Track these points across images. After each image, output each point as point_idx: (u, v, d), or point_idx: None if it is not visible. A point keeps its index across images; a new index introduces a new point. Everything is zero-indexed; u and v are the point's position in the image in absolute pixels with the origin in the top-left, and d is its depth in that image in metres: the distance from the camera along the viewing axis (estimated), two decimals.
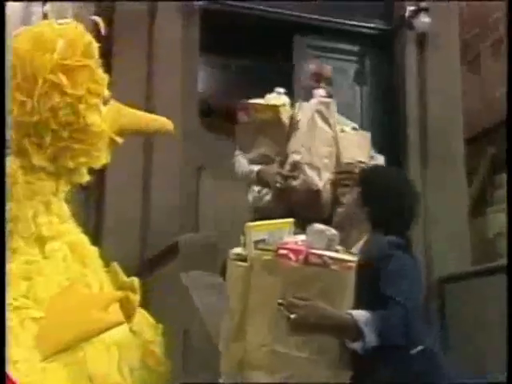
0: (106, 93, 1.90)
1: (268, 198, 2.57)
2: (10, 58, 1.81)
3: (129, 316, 1.88)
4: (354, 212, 1.91)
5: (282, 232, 1.82)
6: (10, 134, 1.84)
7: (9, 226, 1.77)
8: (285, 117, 2.55)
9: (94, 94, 1.82)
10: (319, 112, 2.56)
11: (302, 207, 2.41)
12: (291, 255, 1.68)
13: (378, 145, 4.34)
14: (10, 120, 1.82)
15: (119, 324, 1.70)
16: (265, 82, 4.84)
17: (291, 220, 1.91)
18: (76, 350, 1.64)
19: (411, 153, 4.29)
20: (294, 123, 2.55)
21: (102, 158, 1.90)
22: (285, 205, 2.44)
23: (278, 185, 2.48)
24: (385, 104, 4.55)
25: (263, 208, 2.57)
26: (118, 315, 1.75)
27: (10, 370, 1.54)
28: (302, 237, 1.77)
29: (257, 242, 1.79)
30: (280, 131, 2.54)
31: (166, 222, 3.66)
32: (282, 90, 2.65)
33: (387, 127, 4.47)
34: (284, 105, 2.56)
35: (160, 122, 2.11)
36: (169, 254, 3.29)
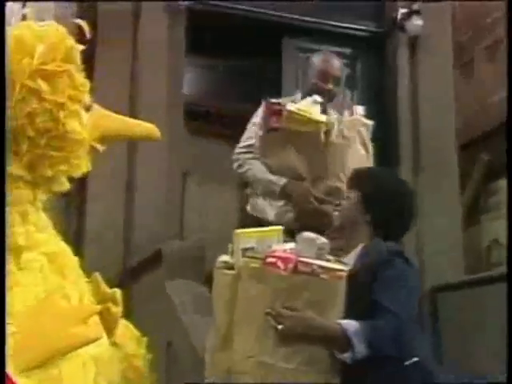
0: (87, 99, 1.90)
1: (291, 215, 2.45)
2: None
3: (110, 329, 1.88)
4: (355, 216, 1.93)
5: (270, 240, 1.84)
6: None
7: None
8: (322, 132, 2.45)
9: (74, 100, 1.82)
10: (360, 134, 2.55)
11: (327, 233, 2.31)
12: (280, 263, 1.70)
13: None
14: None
15: (97, 339, 1.70)
16: (253, 84, 4.90)
17: (280, 228, 1.93)
18: (51, 367, 1.63)
19: (403, 159, 4.32)
20: (332, 142, 2.45)
21: (83, 166, 1.90)
22: (309, 226, 2.24)
23: (310, 206, 2.40)
24: (376, 109, 4.58)
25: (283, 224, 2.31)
26: (97, 329, 1.74)
27: None
28: (292, 245, 1.79)
29: (245, 250, 1.81)
30: (316, 148, 2.44)
31: (150, 229, 3.67)
32: (319, 98, 2.51)
33: (378, 132, 4.50)
34: (329, 123, 2.46)
35: (145, 128, 2.10)
36: (152, 261, 3.30)
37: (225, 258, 1.87)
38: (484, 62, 4.94)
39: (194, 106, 4.48)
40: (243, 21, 4.39)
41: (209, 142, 4.67)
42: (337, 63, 2.74)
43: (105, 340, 1.84)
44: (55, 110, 1.80)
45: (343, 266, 1.75)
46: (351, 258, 1.90)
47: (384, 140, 4.48)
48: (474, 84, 4.99)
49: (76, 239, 3.52)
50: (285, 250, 1.76)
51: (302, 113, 2.44)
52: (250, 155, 2.59)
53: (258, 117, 2.62)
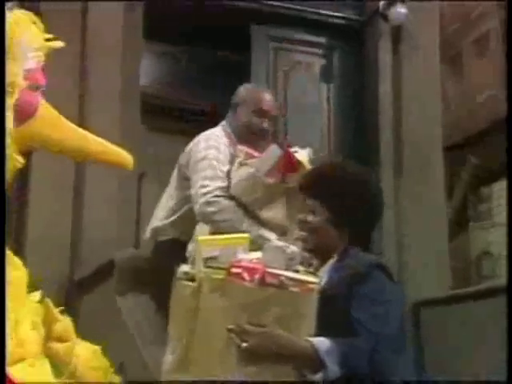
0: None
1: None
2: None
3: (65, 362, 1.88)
4: (330, 233, 1.93)
5: (236, 248, 1.84)
6: None
7: None
8: None
9: None
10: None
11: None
12: (245, 275, 1.70)
13: (347, 152, 4.45)
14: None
15: None
16: (219, 75, 4.91)
17: (248, 235, 1.95)
18: None
19: (384, 162, 4.37)
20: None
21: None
22: None
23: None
24: (355, 106, 4.64)
25: None
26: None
27: None
28: (259, 254, 1.80)
29: (207, 259, 1.81)
30: (298, 203, 2.51)
31: (101, 237, 3.65)
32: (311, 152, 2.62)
33: (357, 132, 4.57)
34: None
35: (112, 151, 2.02)
36: (103, 273, 3.29)
37: (185, 267, 1.87)
38: (472, 57, 5.00)
39: (153, 99, 4.47)
40: (209, 5, 4.39)
41: (169, 140, 4.67)
42: (273, 100, 2.90)
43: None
44: None
45: (315, 278, 1.77)
46: (325, 270, 1.91)
47: (362, 141, 4.55)
48: (461, 81, 5.05)
49: (15, 249, 3.47)
50: (251, 260, 1.77)
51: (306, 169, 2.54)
52: (229, 201, 2.60)
53: (225, 145, 2.74)
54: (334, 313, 1.76)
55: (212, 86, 4.69)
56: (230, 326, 1.67)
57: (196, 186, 2.67)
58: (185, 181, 2.79)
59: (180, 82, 4.90)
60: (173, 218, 2.83)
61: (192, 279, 1.81)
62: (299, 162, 2.52)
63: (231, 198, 2.61)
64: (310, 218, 1.96)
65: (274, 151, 2.56)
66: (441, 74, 4.61)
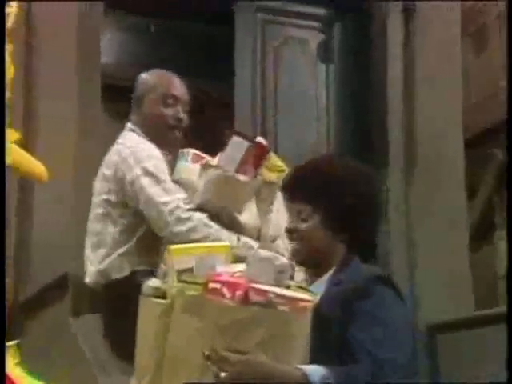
0: None
1: None
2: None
3: None
4: (325, 241, 1.95)
5: (215, 259, 1.86)
6: None
7: None
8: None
9: None
10: None
11: None
12: (225, 291, 1.71)
13: (347, 145, 4.45)
14: None
15: None
16: (196, 52, 4.90)
17: (228, 244, 1.98)
18: None
19: (392, 158, 4.36)
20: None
21: None
22: None
23: None
24: (358, 90, 4.65)
25: None
26: None
27: None
28: (242, 266, 1.81)
29: (181, 272, 1.82)
30: (269, 201, 2.71)
31: (52, 248, 3.65)
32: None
33: (360, 122, 4.58)
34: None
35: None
36: (54, 291, 3.28)
37: (154, 282, 1.88)
38: (496, 34, 5.02)
39: (116, 81, 4.46)
40: None
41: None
42: (182, 84, 2.95)
43: None
44: None
45: (309, 294, 1.77)
46: (321, 285, 1.93)
47: (367, 134, 4.56)
48: (485, 62, 5.08)
49: None
50: (233, 274, 1.77)
51: (274, 159, 2.69)
52: (200, 213, 2.65)
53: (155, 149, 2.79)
54: (330, 335, 1.78)
55: (188, 66, 4.69)
56: (207, 352, 1.67)
57: (152, 206, 2.70)
58: (120, 203, 2.80)
59: (150, 60, 4.90)
60: (122, 250, 2.80)
61: (163, 296, 1.82)
62: (269, 151, 2.64)
63: (198, 208, 2.68)
64: (300, 225, 1.97)
65: (238, 143, 2.62)
66: (461, 54, 4.61)
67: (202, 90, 4.01)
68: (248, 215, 2.70)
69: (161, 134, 2.87)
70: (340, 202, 1.95)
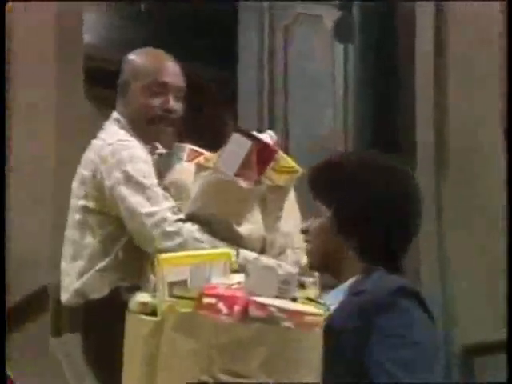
0: None
1: None
2: None
3: None
4: (331, 239, 1.98)
5: (211, 269, 1.86)
6: None
7: None
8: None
9: None
10: None
11: None
12: (221, 306, 1.71)
13: (368, 138, 4.43)
14: None
15: None
16: (193, 30, 4.89)
17: (229, 251, 1.99)
18: None
19: (420, 153, 4.37)
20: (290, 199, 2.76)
21: None
22: None
23: None
24: (381, 75, 4.63)
25: None
26: None
27: None
28: (241, 277, 1.82)
29: (172, 285, 1.82)
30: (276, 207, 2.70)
31: (30, 258, 3.69)
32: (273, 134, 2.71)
33: (383, 111, 4.55)
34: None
35: None
36: (32, 305, 3.33)
37: (143, 296, 1.89)
38: None
39: (101, 63, 4.48)
40: None
41: None
42: (175, 66, 2.89)
43: None
44: None
45: (320, 307, 1.78)
46: (334, 297, 1.95)
47: (392, 123, 4.54)
48: None
49: None
50: (230, 286, 1.78)
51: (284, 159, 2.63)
52: (191, 224, 2.64)
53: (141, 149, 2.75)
54: (344, 355, 1.79)
55: (183, 49, 4.72)
56: (202, 378, 1.68)
57: (134, 218, 2.68)
58: (98, 211, 2.78)
59: (139, 40, 4.92)
60: (102, 265, 2.78)
61: (152, 313, 1.82)
62: (276, 151, 2.58)
63: (190, 218, 2.64)
64: (313, 224, 2.03)
65: (240, 142, 2.57)
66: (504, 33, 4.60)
67: (201, 76, 4.02)
68: (250, 225, 2.64)
69: (147, 127, 2.84)
70: (350, 203, 1.97)
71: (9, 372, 2.07)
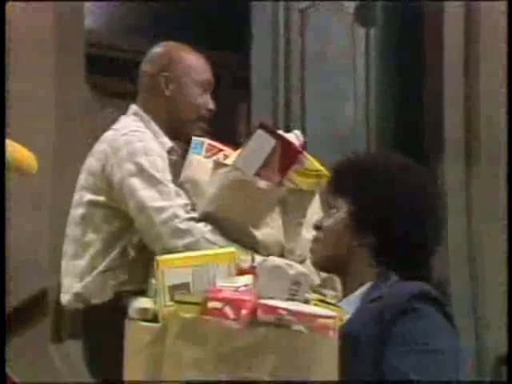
0: None
1: None
2: None
3: None
4: (337, 239, 2.00)
5: (215, 271, 1.86)
6: None
7: None
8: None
9: None
10: None
11: None
12: (228, 310, 1.70)
13: (391, 133, 4.39)
14: None
15: None
16: (204, 15, 4.88)
17: (233, 250, 1.97)
18: None
19: (449, 150, 4.37)
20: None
21: None
22: None
23: None
24: (405, 60, 4.62)
25: None
26: None
27: None
28: (248, 279, 1.81)
29: (174, 289, 1.82)
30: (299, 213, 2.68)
31: (29, 260, 3.68)
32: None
33: (407, 102, 4.54)
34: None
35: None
36: (31, 310, 3.34)
37: (143, 302, 1.88)
38: None
39: (102, 51, 4.49)
40: None
41: (125, 104, 4.69)
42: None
43: None
44: None
45: (335, 310, 1.76)
46: (351, 301, 1.96)
47: (417, 116, 4.52)
48: None
49: None
50: (237, 288, 1.77)
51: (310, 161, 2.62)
52: (204, 224, 2.65)
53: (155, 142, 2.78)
54: (363, 366, 1.79)
55: (193, 34, 4.72)
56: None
57: (143, 212, 2.68)
58: (105, 205, 2.79)
59: (144, 27, 4.94)
60: (105, 266, 2.79)
61: (153, 319, 1.82)
62: (302, 152, 2.57)
63: (203, 217, 2.65)
64: (326, 221, 2.05)
65: (263, 139, 2.58)
66: None
67: (213, 62, 4.03)
68: (269, 229, 2.65)
69: (183, 125, 2.87)
70: (364, 201, 2.00)
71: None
